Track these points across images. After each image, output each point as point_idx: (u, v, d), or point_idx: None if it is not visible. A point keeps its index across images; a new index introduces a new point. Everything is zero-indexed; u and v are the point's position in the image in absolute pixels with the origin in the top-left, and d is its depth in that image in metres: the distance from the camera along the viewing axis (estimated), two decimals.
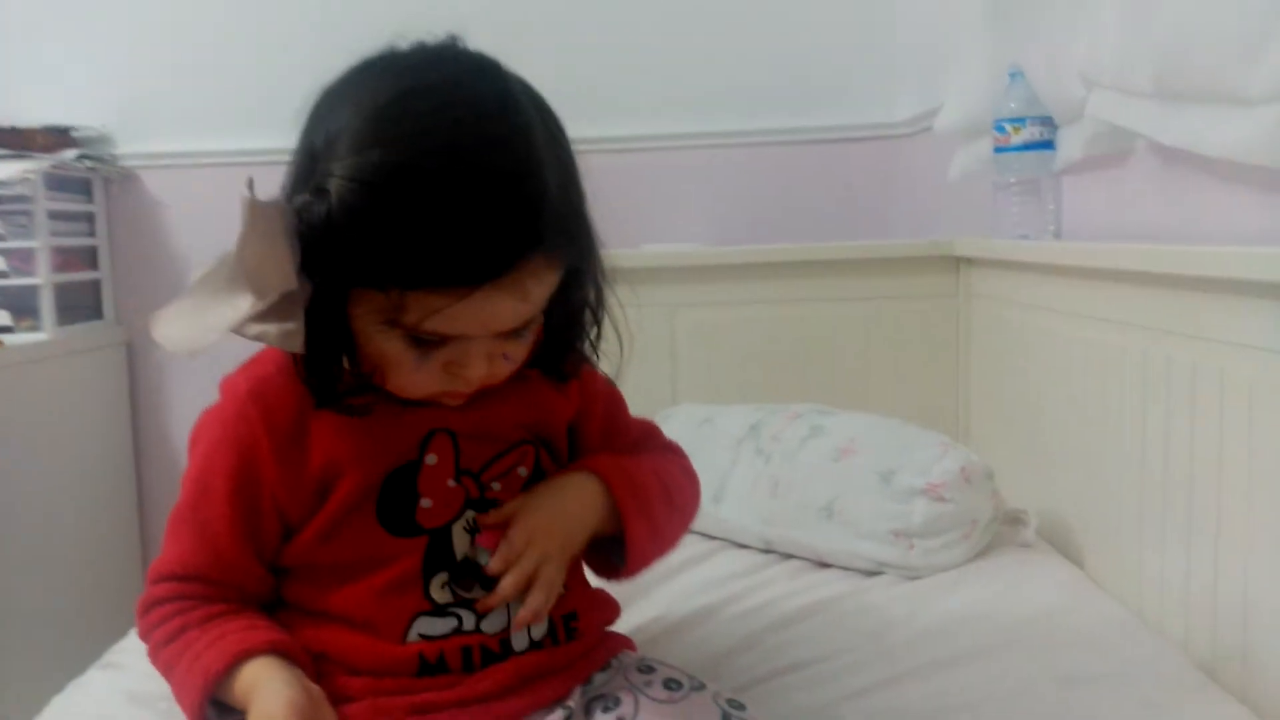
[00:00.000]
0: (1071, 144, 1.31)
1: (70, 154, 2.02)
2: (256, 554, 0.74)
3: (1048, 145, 1.36)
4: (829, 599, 1.12)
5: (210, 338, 0.65)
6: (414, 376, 0.69)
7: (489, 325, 0.67)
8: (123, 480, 2.19)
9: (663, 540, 0.84)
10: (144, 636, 0.75)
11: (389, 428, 0.73)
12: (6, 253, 1.91)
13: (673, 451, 0.92)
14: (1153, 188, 1.17)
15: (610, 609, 0.86)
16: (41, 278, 1.93)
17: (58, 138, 2.04)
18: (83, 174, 2.08)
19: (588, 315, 0.78)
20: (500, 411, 0.77)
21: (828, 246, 1.74)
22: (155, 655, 0.74)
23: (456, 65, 0.69)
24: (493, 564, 0.73)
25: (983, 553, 1.22)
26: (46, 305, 1.94)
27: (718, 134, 2.18)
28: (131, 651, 1.05)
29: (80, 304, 2.10)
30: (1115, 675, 0.90)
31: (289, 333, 0.66)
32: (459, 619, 0.74)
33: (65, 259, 2.04)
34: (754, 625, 1.03)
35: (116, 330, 2.18)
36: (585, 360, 0.81)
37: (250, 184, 0.63)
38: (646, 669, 0.80)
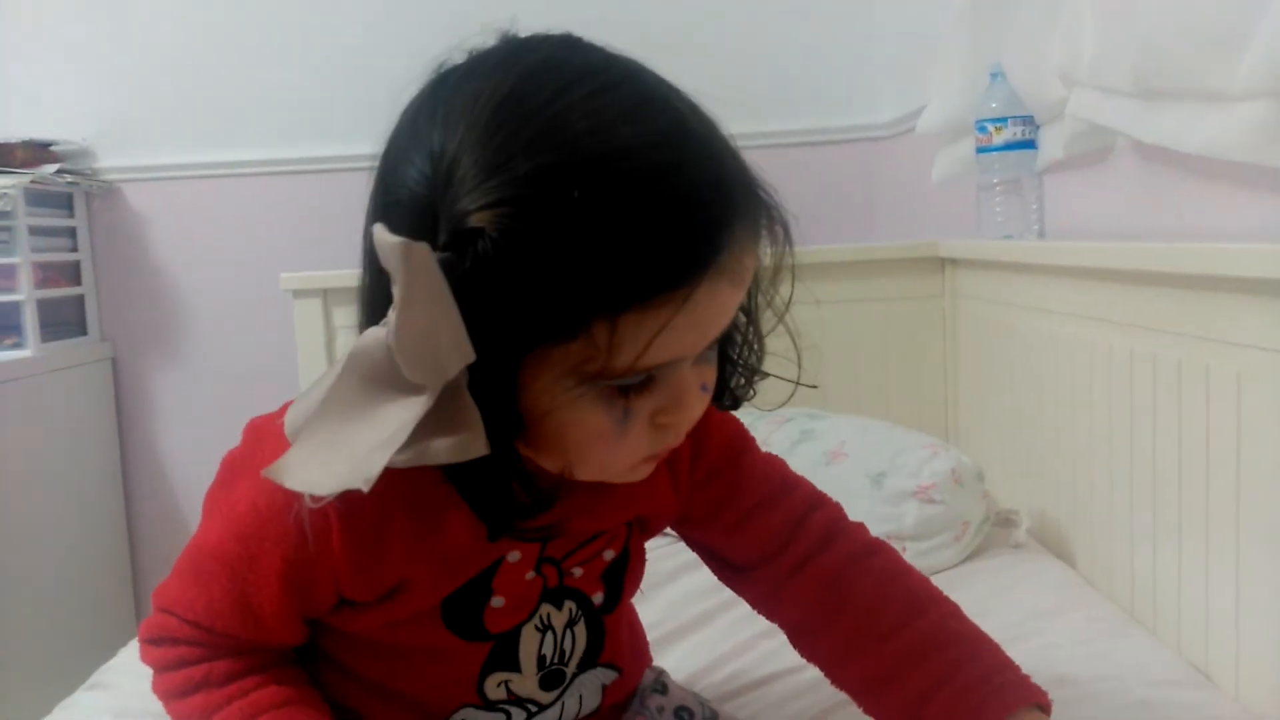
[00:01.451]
0: (1053, 143, 1.31)
1: (51, 169, 2.01)
2: (301, 620, 0.65)
3: (1029, 145, 1.37)
4: None
5: (376, 468, 0.50)
6: (618, 448, 0.55)
7: (709, 331, 0.54)
8: (110, 497, 2.17)
9: None
10: (153, 666, 0.67)
11: (480, 538, 0.61)
12: None
13: (868, 545, 0.75)
14: (1134, 185, 1.18)
15: (643, 649, 0.82)
16: (24, 294, 1.92)
17: (38, 152, 2.03)
18: (64, 188, 2.07)
19: (744, 321, 0.63)
20: (608, 515, 0.68)
21: (812, 250, 1.73)
22: (167, 700, 0.66)
23: (544, 46, 0.55)
24: None
25: (975, 554, 1.22)
26: (30, 322, 1.93)
27: None
28: (119, 671, 1.04)
29: (64, 320, 2.09)
30: (1110, 675, 0.90)
31: (464, 441, 0.50)
32: (508, 715, 0.69)
33: (48, 275, 2.03)
34: (749, 631, 1.03)
35: (101, 346, 2.17)
36: (756, 375, 0.66)
37: (380, 226, 0.49)
38: (660, 688, 0.79)
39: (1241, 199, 0.97)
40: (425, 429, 0.50)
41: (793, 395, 0.66)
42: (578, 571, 0.69)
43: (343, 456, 0.50)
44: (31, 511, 1.88)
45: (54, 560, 1.94)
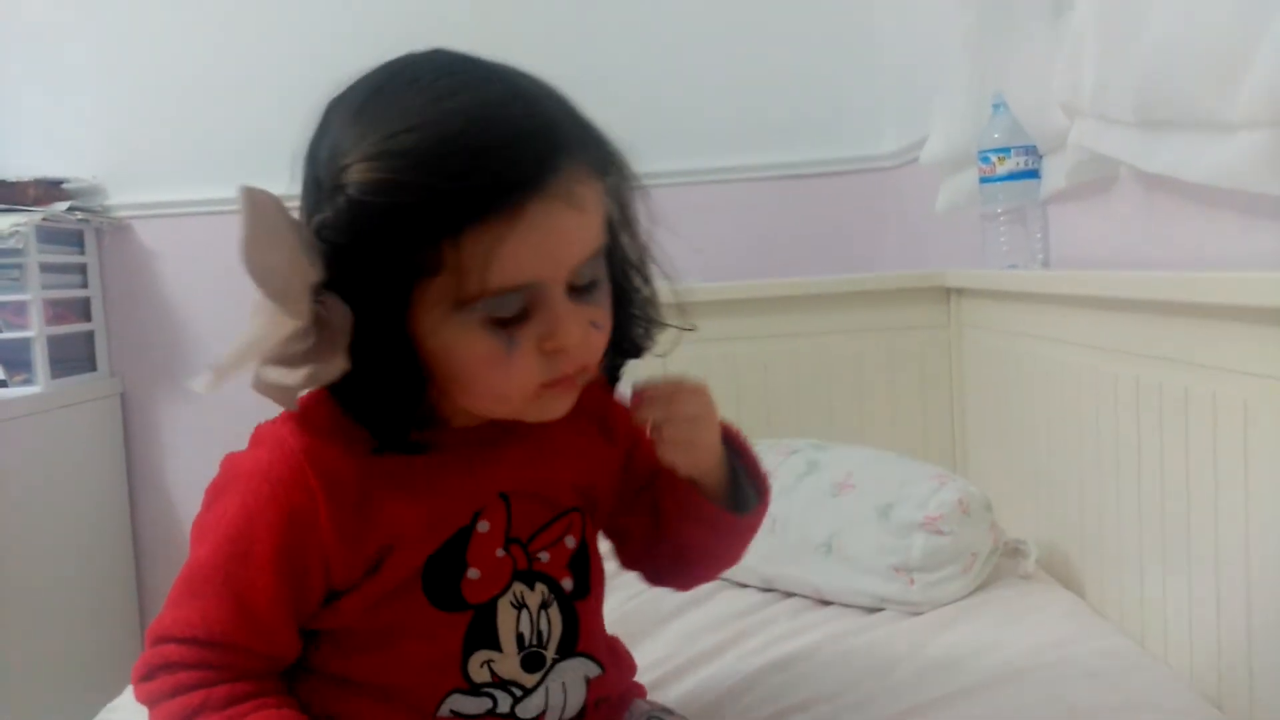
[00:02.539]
0: (1056, 173, 1.32)
1: (61, 206, 2.02)
2: (295, 620, 0.68)
3: (1033, 174, 1.37)
4: (831, 637, 1.11)
5: (238, 365, 0.64)
6: (511, 372, 0.64)
7: (559, 255, 0.63)
8: (118, 533, 2.17)
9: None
10: (148, 702, 0.67)
11: (450, 493, 0.70)
12: None
13: None
14: (1137, 215, 1.18)
15: (630, 668, 0.84)
16: (34, 331, 1.93)
17: (49, 190, 2.05)
18: (74, 226, 2.08)
19: (639, 280, 0.74)
20: (557, 471, 0.74)
21: (818, 280, 1.75)
22: None
23: (420, 54, 0.68)
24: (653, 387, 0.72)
25: (983, 585, 1.22)
26: (40, 358, 1.94)
27: (704, 171, 2.19)
28: (127, 709, 1.03)
29: (74, 356, 2.10)
30: (1122, 707, 0.90)
31: (332, 365, 0.62)
32: (494, 700, 0.71)
33: (58, 311, 2.04)
34: (756, 665, 1.02)
35: (111, 382, 2.18)
36: (655, 326, 0.76)
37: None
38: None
39: (1245, 227, 0.98)
40: (308, 359, 0.62)
41: (678, 343, 0.76)
42: (544, 556, 0.74)
43: (230, 360, 0.65)
44: (40, 547, 1.88)
45: (62, 595, 1.94)
